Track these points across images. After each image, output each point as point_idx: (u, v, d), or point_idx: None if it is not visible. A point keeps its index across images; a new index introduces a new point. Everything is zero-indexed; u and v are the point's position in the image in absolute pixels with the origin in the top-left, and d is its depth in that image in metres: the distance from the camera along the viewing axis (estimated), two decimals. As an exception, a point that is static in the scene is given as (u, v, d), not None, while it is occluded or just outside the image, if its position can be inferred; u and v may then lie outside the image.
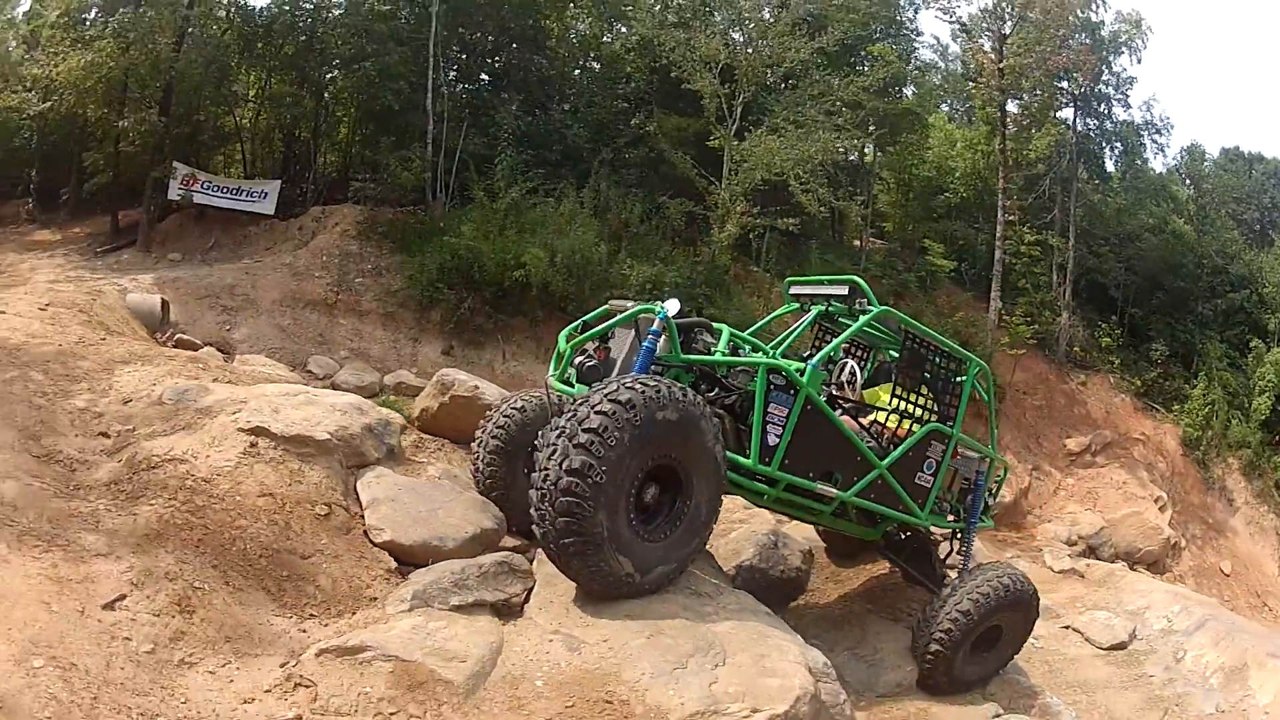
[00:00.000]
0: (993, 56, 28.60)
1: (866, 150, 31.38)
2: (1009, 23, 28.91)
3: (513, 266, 21.04)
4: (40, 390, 9.52)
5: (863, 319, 8.51)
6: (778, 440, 7.57)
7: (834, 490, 7.97)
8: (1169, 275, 33.36)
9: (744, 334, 9.05)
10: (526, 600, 6.95)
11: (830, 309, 9.42)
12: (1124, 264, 32.81)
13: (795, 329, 9.96)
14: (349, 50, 25.51)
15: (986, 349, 25.80)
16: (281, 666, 5.68)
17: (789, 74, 25.61)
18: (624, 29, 29.52)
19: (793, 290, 9.75)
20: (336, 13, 27.64)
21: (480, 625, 6.30)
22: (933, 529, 9.64)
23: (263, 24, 28.14)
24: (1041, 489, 25.67)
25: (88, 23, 28.09)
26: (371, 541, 7.79)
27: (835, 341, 8.58)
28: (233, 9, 29.10)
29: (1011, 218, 28.37)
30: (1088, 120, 34.10)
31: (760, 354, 8.57)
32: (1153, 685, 11.76)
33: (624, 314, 8.02)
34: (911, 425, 8.59)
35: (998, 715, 8.80)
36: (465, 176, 23.93)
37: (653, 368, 7.47)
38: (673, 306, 7.83)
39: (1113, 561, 22.48)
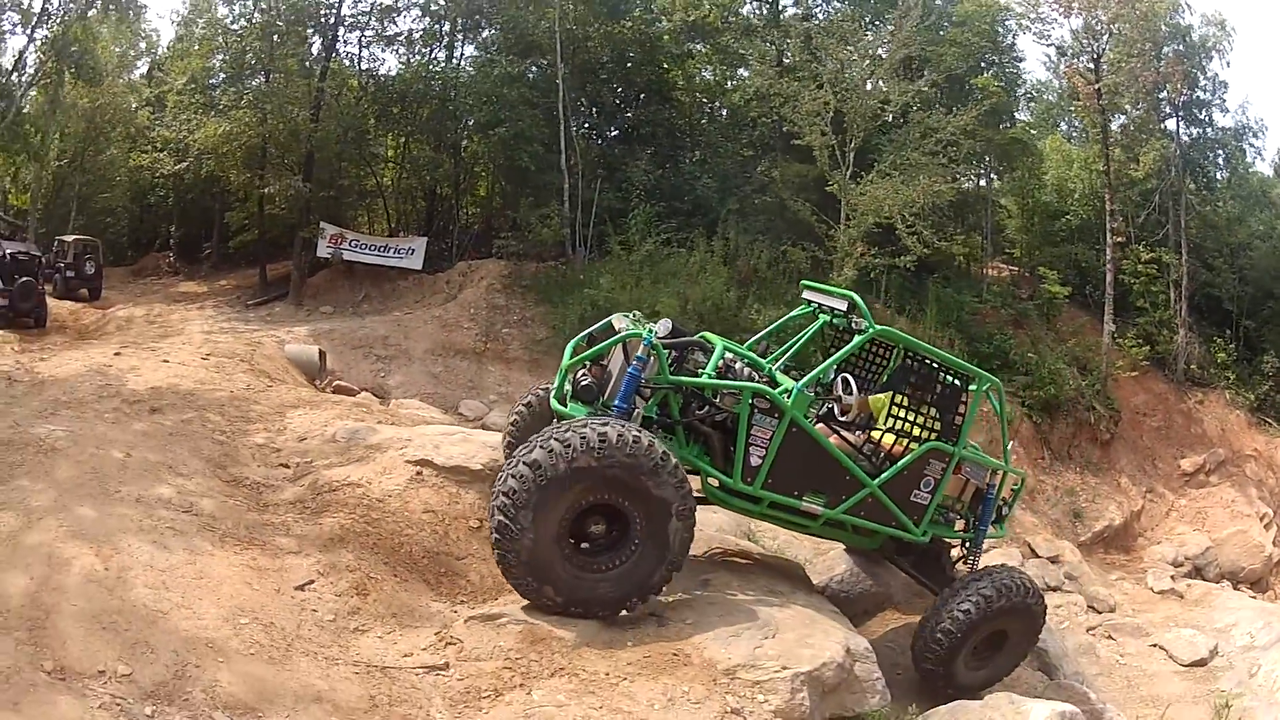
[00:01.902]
0: (1089, 77, 28.64)
1: (983, 181, 31.84)
2: (1102, 40, 28.95)
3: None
4: (219, 429, 11.07)
5: (857, 339, 8.52)
6: (760, 461, 7.83)
7: (819, 508, 8.16)
8: (1279, 283, 32.47)
9: (742, 347, 9.13)
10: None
11: (834, 320, 9.30)
12: (1237, 275, 32.26)
13: (799, 339, 9.82)
14: (483, 116, 26.86)
15: (1102, 373, 26.27)
16: (436, 634, 7.07)
17: (895, 117, 26.20)
18: (745, 73, 30.29)
19: (805, 294, 9.66)
20: (466, 79, 29.05)
21: None
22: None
23: (396, 90, 29.67)
24: (1154, 511, 25.73)
25: (215, 89, 30.18)
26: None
27: (825, 363, 8.62)
28: (365, 77, 30.66)
29: (1120, 239, 28.37)
30: (1191, 130, 33.54)
31: (752, 369, 8.54)
32: (1222, 700, 12.00)
33: (614, 338, 8.10)
34: (909, 443, 8.53)
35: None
36: (602, 230, 25.30)
37: (642, 389, 7.74)
38: (663, 328, 8.12)
39: (1217, 581, 22.68)
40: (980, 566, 9.16)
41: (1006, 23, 31.97)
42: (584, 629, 7.06)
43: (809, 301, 9.54)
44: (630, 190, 25.94)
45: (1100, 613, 18.29)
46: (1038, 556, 20.07)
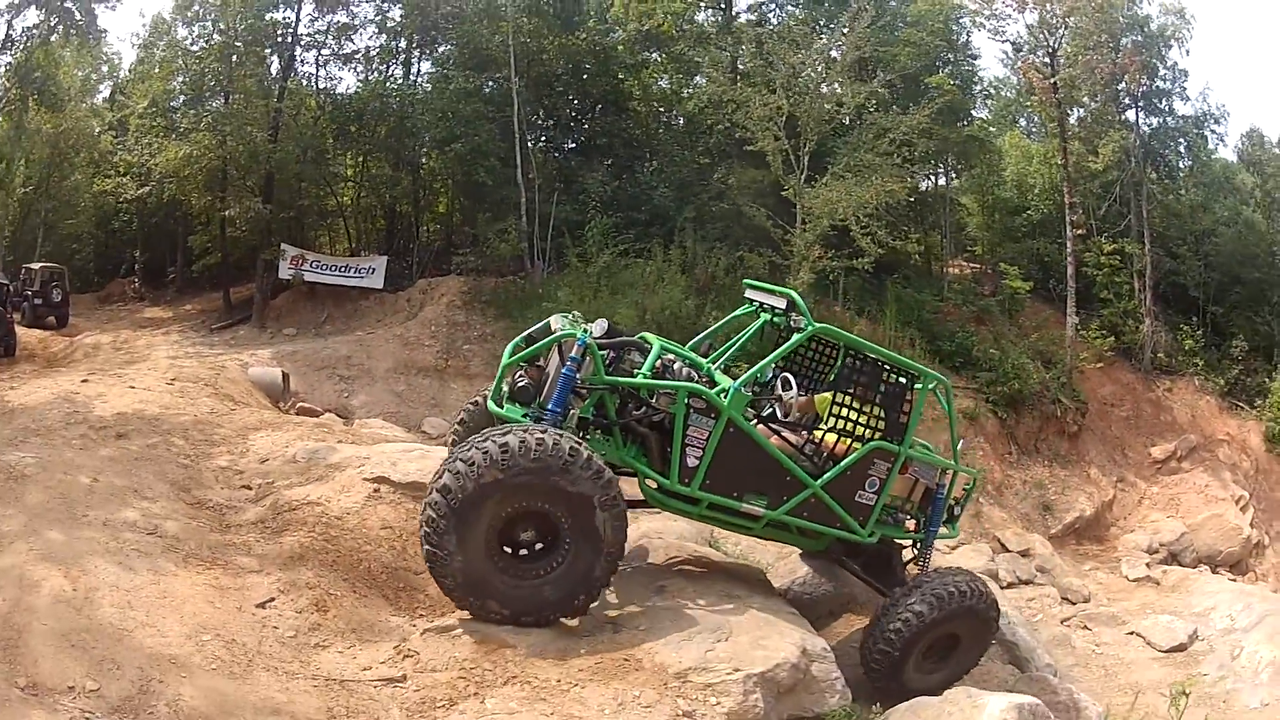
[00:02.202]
0: (1045, 72, 28.55)
1: (942, 180, 32.10)
2: (1058, 34, 28.93)
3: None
4: (184, 453, 11.36)
5: (795, 338, 8.30)
6: (697, 462, 7.72)
7: (760, 509, 8.03)
8: (1245, 268, 32.65)
9: (683, 348, 9.02)
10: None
11: (775, 319, 9.07)
12: (1202, 262, 32.39)
13: (739, 338, 9.57)
14: (440, 133, 26.97)
15: (1066, 365, 26.37)
16: (394, 647, 7.23)
17: (849, 118, 26.24)
18: (701, 80, 30.26)
19: (747, 293, 9.45)
20: (423, 95, 29.18)
21: None
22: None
23: (353, 109, 29.78)
24: (1126, 500, 25.87)
25: (176, 112, 30.19)
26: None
27: (761, 363, 8.45)
28: (323, 96, 30.71)
29: (1081, 231, 28.51)
30: (1151, 120, 33.76)
31: (692, 369, 8.40)
32: (1204, 684, 12.09)
33: (549, 339, 8.05)
34: (852, 443, 8.37)
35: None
36: (560, 243, 25.36)
37: (577, 390, 7.69)
38: (598, 328, 8.05)
39: (1194, 566, 22.76)
40: (931, 567, 8.99)
41: (960, 20, 32.08)
42: (537, 638, 7.18)
43: (751, 300, 9.36)
44: (588, 202, 26.04)
45: (1074, 604, 18.36)
46: (1008, 551, 20.13)
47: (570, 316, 8.60)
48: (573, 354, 7.61)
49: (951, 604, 8.28)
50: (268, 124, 27.66)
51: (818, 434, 8.53)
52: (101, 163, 35.45)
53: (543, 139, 29.39)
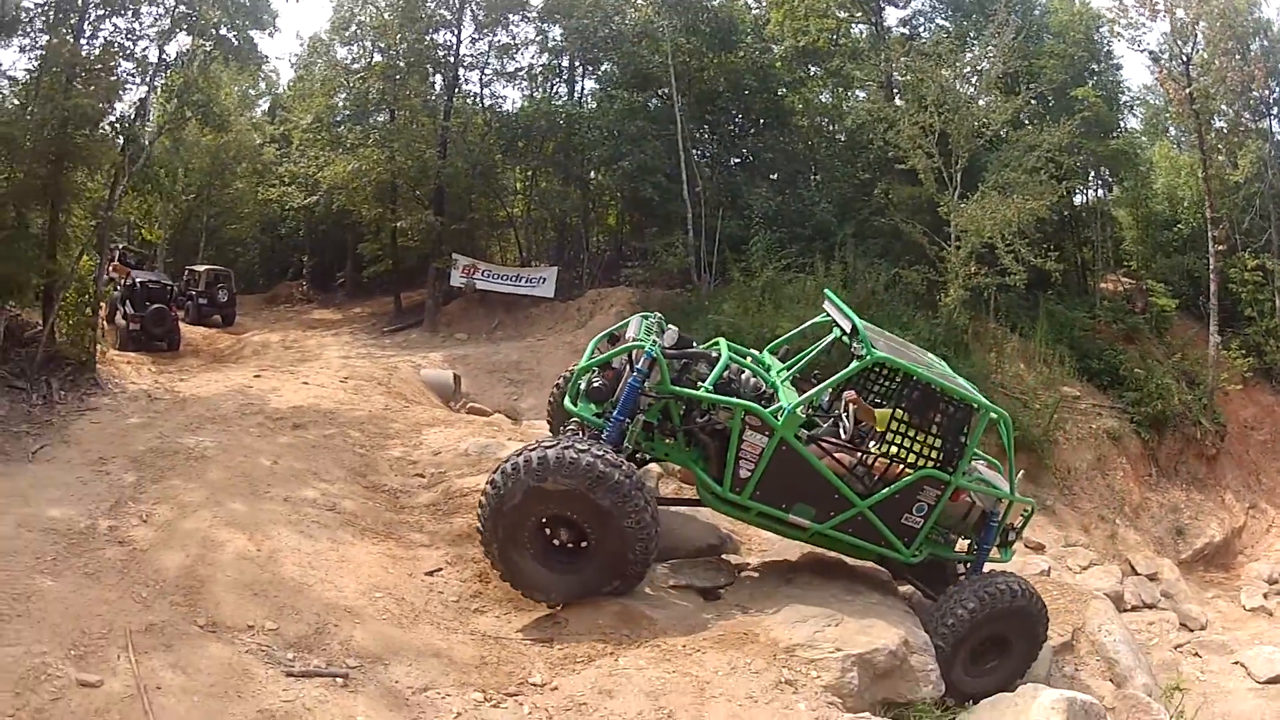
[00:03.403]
0: (1181, 81, 27.91)
1: (1099, 193, 31.91)
2: (1191, 41, 28.12)
3: (769, 339, 23.06)
4: (359, 444, 12.43)
5: (853, 365, 8.59)
6: (749, 474, 8.25)
7: (806, 521, 8.48)
8: None
9: (758, 353, 9.64)
10: (727, 588, 9.23)
11: (842, 338, 9.38)
12: None
13: (807, 353, 10.00)
14: (606, 151, 28.07)
15: (1208, 386, 26.10)
16: (545, 615, 8.19)
17: (999, 133, 26.20)
18: (862, 94, 30.84)
19: (825, 304, 9.86)
20: (588, 113, 30.31)
21: (685, 597, 8.83)
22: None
23: (520, 125, 31.01)
24: (1255, 528, 25.22)
25: (341, 126, 31.50)
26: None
27: (819, 388, 8.84)
28: (489, 113, 32.04)
29: (1222, 246, 27.74)
30: None
31: (759, 379, 9.05)
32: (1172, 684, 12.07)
33: (621, 348, 8.74)
34: (904, 468, 8.63)
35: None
36: (725, 257, 26.29)
37: (643, 399, 8.26)
38: (670, 338, 8.62)
39: None
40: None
41: (1101, 30, 31.47)
42: (675, 611, 8.33)
43: (827, 313, 9.78)
44: (751, 218, 26.82)
45: (1192, 630, 18.39)
46: (1137, 574, 20.24)
47: (651, 319, 9.49)
48: (639, 365, 8.28)
49: (1001, 602, 8.54)
50: (436, 140, 28.84)
51: (873, 449, 8.93)
52: (265, 172, 36.86)
53: (707, 155, 30.15)
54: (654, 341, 8.47)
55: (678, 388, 8.44)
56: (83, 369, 15.38)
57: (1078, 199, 32.07)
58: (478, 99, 32.78)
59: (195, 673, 6.09)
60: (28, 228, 15.98)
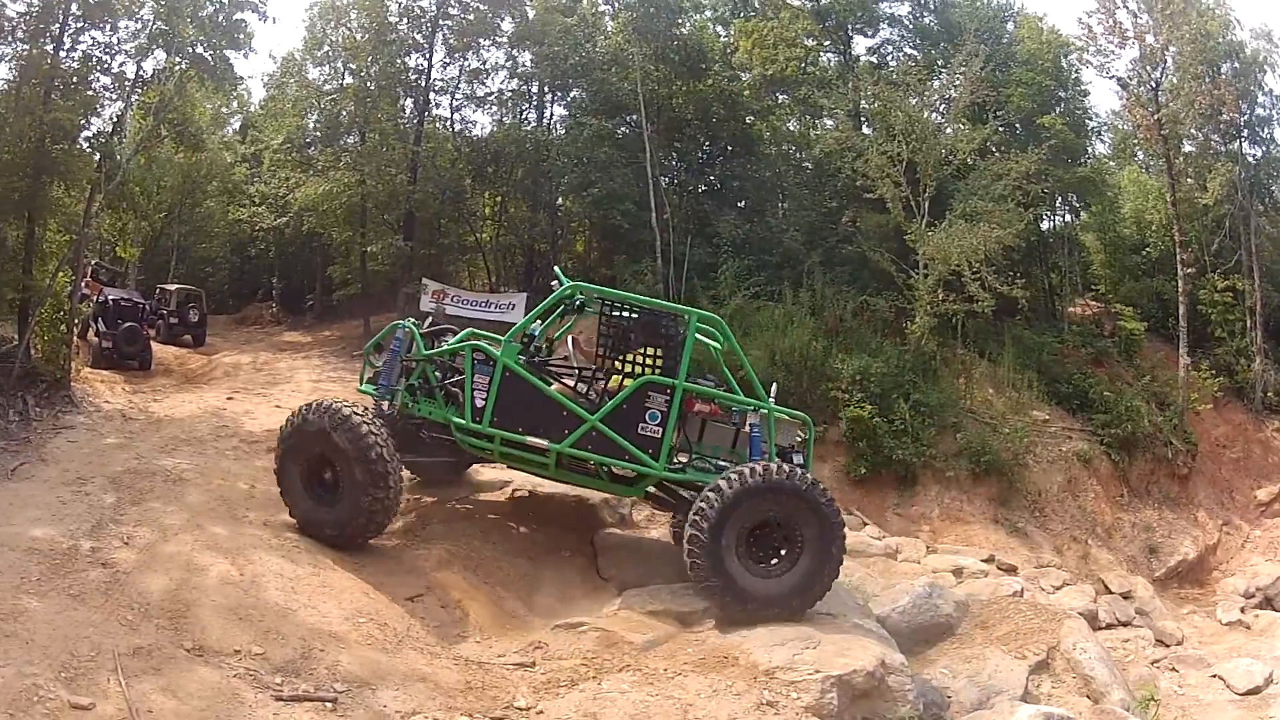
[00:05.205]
0: (1149, 107, 28.02)
1: (1066, 218, 32.34)
2: (1160, 67, 28.27)
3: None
4: None
5: (554, 294, 10.16)
6: (483, 402, 9.38)
7: (544, 443, 9.30)
8: None
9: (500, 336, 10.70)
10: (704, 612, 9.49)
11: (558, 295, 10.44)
12: None
13: (534, 312, 10.78)
14: (575, 178, 28.07)
15: (1178, 407, 26.26)
16: (527, 640, 8.59)
17: (966, 162, 26.31)
18: (830, 123, 30.73)
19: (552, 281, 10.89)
20: (557, 139, 30.38)
21: (662, 622, 9.21)
22: None
23: (490, 150, 31.13)
24: (1229, 544, 25.32)
25: (312, 148, 31.46)
26: (600, 575, 10.82)
27: (528, 317, 10.51)
28: (459, 138, 32.11)
29: (1191, 269, 27.93)
30: (1255, 150, 32.32)
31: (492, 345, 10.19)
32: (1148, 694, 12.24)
33: (385, 329, 10.70)
34: (623, 380, 9.47)
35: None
36: (693, 284, 26.29)
37: (404, 364, 10.05)
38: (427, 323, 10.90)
39: None
40: None
41: (1069, 58, 31.68)
42: (653, 636, 8.68)
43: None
44: (719, 245, 26.94)
45: (1168, 646, 18.27)
46: (1110, 592, 20.25)
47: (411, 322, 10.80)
48: (397, 336, 10.10)
49: (752, 480, 8.77)
50: (406, 165, 28.85)
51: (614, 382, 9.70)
52: (235, 192, 36.81)
53: (676, 182, 30.23)
54: (409, 320, 10.44)
55: (427, 351, 10.05)
56: (57, 386, 15.40)
57: (1045, 224, 32.35)
58: (448, 124, 32.81)
59: (186, 696, 6.17)
60: (4, 242, 15.97)
